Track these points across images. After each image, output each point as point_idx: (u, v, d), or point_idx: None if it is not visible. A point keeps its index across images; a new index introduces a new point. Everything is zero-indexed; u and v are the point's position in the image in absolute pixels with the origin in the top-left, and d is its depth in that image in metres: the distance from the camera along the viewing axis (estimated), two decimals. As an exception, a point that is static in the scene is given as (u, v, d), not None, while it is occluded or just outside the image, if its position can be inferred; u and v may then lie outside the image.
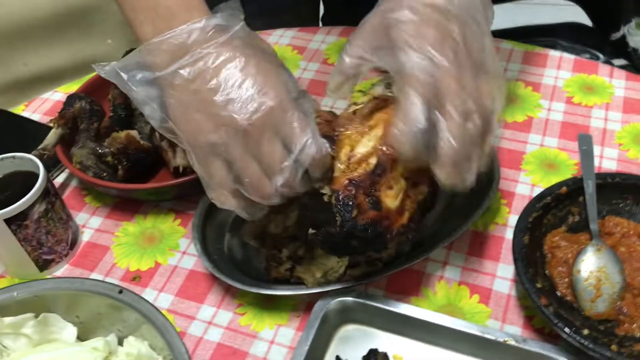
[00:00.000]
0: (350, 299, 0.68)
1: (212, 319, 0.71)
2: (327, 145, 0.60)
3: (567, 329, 0.60)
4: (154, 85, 0.61)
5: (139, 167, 0.83)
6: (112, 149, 0.82)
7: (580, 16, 1.57)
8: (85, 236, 0.81)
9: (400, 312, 0.66)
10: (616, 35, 1.88)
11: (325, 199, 0.60)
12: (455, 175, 0.58)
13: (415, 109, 0.57)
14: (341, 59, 0.63)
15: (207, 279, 0.75)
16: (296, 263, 0.69)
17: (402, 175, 0.61)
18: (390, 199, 0.60)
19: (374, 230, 0.59)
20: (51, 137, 0.83)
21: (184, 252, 0.78)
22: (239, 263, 0.75)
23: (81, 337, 0.65)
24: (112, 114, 0.87)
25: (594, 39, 1.40)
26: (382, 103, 0.63)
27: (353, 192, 0.59)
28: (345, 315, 0.68)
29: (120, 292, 0.62)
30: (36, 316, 0.63)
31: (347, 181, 0.60)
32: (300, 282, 0.70)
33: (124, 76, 0.61)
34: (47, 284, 0.63)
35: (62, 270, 0.77)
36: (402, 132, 0.57)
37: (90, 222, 0.83)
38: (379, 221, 0.59)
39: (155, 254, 0.78)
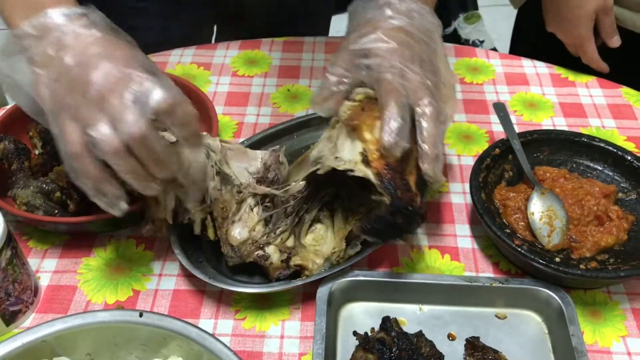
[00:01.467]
0: (347, 279, 0.72)
1: (214, 331, 0.71)
2: (182, 95, 0.62)
3: (542, 260, 0.70)
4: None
5: (89, 199, 0.80)
6: (60, 184, 0.77)
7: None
8: (44, 281, 0.76)
9: (395, 280, 0.72)
10: (449, 30, 2.14)
11: (372, 179, 0.65)
12: (434, 166, 0.67)
13: (395, 122, 0.65)
14: (326, 78, 0.70)
15: (194, 294, 0.74)
16: (289, 254, 0.72)
17: (414, 164, 0.69)
18: (413, 183, 0.67)
19: (413, 207, 0.65)
20: (-19, 183, 0.77)
21: (160, 275, 0.77)
22: (225, 272, 0.75)
23: (94, 376, 0.61)
24: (45, 148, 0.82)
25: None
26: (370, 101, 0.70)
27: (392, 175, 0.65)
28: (345, 296, 0.72)
29: (141, 315, 0.60)
30: (46, 363, 0.59)
31: (385, 166, 0.66)
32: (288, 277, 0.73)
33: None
34: (56, 325, 0.59)
35: (30, 320, 0.72)
36: (389, 143, 0.65)
37: (43, 266, 0.77)
38: (413, 200, 0.66)
39: (130, 282, 0.76)
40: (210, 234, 0.73)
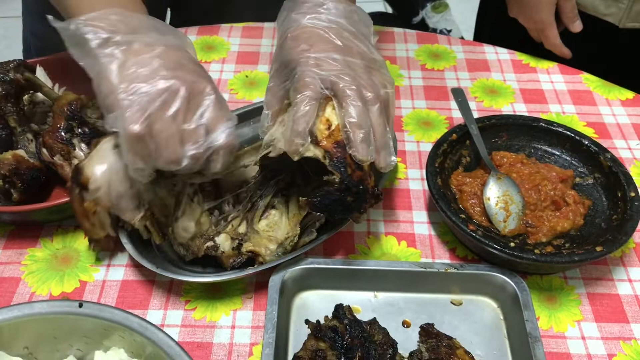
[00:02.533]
0: (300, 267, 0.70)
1: (163, 322, 0.69)
2: (235, 140, 0.67)
3: (496, 246, 0.69)
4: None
5: (34, 187, 0.77)
6: (1, 172, 0.74)
7: (382, 7, 1.74)
8: (-15, 273, 0.73)
9: (350, 267, 0.71)
10: (417, 19, 2.13)
11: (320, 159, 0.64)
12: (363, 148, 0.66)
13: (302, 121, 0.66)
14: (266, 103, 0.72)
15: (143, 285, 0.72)
16: (241, 241, 0.70)
17: None
18: (366, 163, 0.65)
19: (364, 186, 0.64)
20: None
21: (108, 265, 0.74)
22: (171, 260, 0.73)
23: (33, 370, 0.59)
24: (-13, 136, 0.79)
25: (399, 24, 1.56)
26: None
27: (341, 153, 0.64)
28: (299, 284, 0.71)
29: (81, 305, 0.57)
30: (-21, 357, 0.56)
31: (335, 144, 0.64)
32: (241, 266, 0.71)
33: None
34: (-10, 317, 0.57)
35: (-30, 313, 0.69)
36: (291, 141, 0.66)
37: (-14, 258, 0.74)
38: (365, 179, 0.65)
39: (77, 273, 0.73)
40: (156, 238, 0.71)
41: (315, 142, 0.65)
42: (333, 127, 0.66)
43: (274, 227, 0.71)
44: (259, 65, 1.04)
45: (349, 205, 0.65)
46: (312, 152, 0.65)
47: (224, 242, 0.70)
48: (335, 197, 0.64)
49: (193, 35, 1.09)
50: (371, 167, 0.67)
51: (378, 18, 1.55)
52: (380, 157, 0.68)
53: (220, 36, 1.09)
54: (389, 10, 2.09)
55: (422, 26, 2.04)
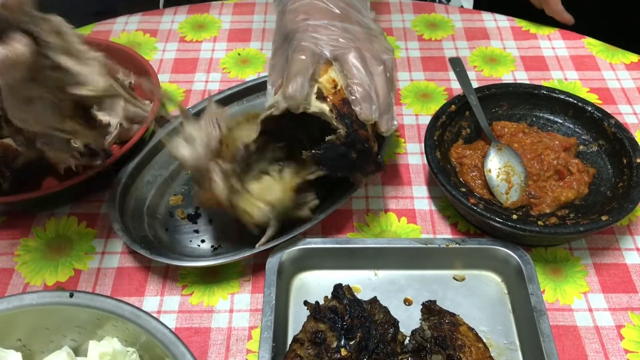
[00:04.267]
0: (298, 247, 0.69)
1: (160, 308, 0.67)
2: None
3: (498, 219, 0.67)
4: None
5: (24, 176, 0.75)
6: (-11, 162, 0.73)
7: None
8: (-22, 265, 0.72)
9: (348, 246, 0.69)
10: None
11: (326, 112, 0.63)
12: (369, 109, 0.66)
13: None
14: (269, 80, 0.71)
15: (138, 271, 0.71)
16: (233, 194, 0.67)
17: None
18: (370, 128, 0.64)
19: (368, 145, 0.63)
20: None
21: (103, 253, 0.73)
22: (168, 246, 0.72)
23: (28, 362, 0.58)
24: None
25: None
26: None
27: (348, 109, 0.63)
28: (297, 265, 0.69)
29: (72, 295, 0.56)
30: (-29, 351, 0.55)
31: (341, 100, 0.64)
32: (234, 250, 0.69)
33: None
34: (-22, 311, 0.55)
35: (-36, 306, 0.68)
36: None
37: (-22, 249, 0.73)
38: (369, 139, 0.64)
39: (71, 262, 0.72)
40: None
41: (322, 97, 0.64)
42: (339, 87, 0.66)
43: (266, 191, 0.68)
44: (251, 42, 1.01)
45: (353, 162, 0.64)
46: (318, 107, 0.64)
47: (218, 181, 0.66)
48: (340, 151, 0.63)
49: (183, 14, 1.07)
50: (374, 134, 0.66)
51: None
52: (383, 120, 0.67)
53: (211, 14, 1.06)
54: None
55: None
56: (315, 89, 0.66)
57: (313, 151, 0.64)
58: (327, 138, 0.64)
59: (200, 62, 0.97)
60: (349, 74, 0.66)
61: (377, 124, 0.67)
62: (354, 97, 0.66)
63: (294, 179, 0.69)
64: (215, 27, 1.04)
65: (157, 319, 0.54)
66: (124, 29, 1.04)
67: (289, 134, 0.70)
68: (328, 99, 0.64)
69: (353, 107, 0.65)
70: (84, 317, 0.57)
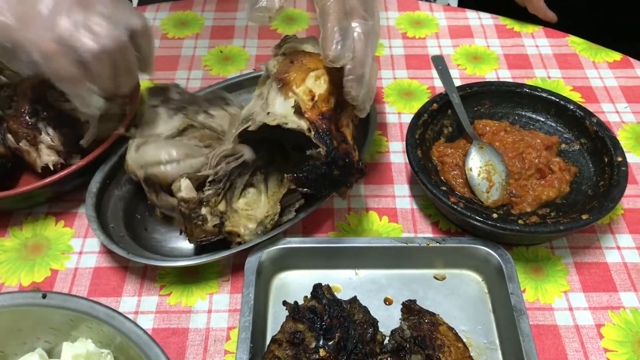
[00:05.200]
0: (278, 247, 0.68)
1: (137, 309, 0.67)
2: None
3: (479, 217, 0.67)
4: None
5: (0, 175, 0.74)
6: (-35, 160, 0.71)
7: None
8: (-47, 265, 0.70)
9: (329, 245, 0.69)
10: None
11: (305, 131, 0.62)
12: (358, 87, 0.64)
13: (337, 34, 0.63)
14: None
15: (116, 272, 0.70)
16: (222, 219, 0.67)
17: (350, 117, 0.66)
18: (349, 136, 0.64)
19: (350, 159, 0.62)
20: None
21: (80, 252, 0.72)
22: (147, 246, 0.71)
23: (0, 365, 0.57)
24: (-52, 124, 0.76)
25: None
26: (298, 54, 0.69)
27: (327, 125, 0.62)
28: (277, 264, 0.69)
29: (44, 296, 0.55)
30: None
31: (319, 115, 0.63)
32: (216, 247, 0.69)
33: None
34: (-52, 313, 0.54)
35: (-63, 307, 0.66)
36: (334, 54, 0.62)
37: (-47, 249, 0.72)
38: (350, 152, 0.63)
39: (48, 262, 0.71)
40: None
41: (299, 113, 0.63)
42: (316, 98, 0.64)
43: (253, 205, 0.68)
44: (234, 39, 1.00)
45: (335, 179, 0.63)
46: (297, 123, 0.63)
47: (207, 215, 0.67)
48: (322, 172, 0.62)
49: (165, 11, 1.06)
50: (354, 140, 0.65)
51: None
52: (366, 106, 0.66)
53: (194, 11, 1.06)
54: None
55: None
56: (292, 102, 0.64)
57: (295, 174, 0.63)
58: (307, 152, 0.63)
59: (182, 60, 0.96)
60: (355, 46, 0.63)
61: (357, 108, 0.66)
62: (351, 76, 0.63)
63: (279, 189, 0.69)
64: (198, 24, 1.03)
65: (131, 320, 0.53)
66: (105, 25, 1.02)
67: (267, 140, 0.70)
68: (306, 114, 0.63)
69: (344, 82, 0.63)
70: (58, 318, 0.56)
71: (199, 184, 0.67)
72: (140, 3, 1.15)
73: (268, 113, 0.66)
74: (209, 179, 0.66)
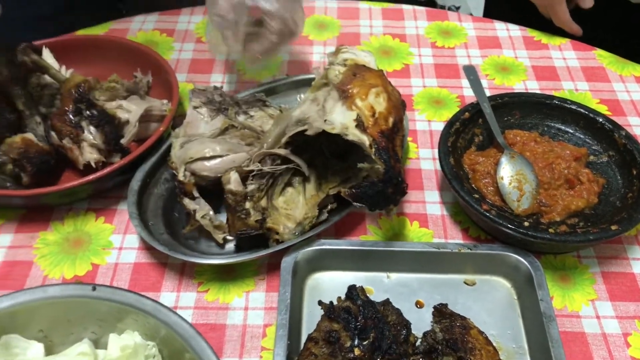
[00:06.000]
0: (313, 248, 0.70)
1: (176, 304, 0.69)
2: None
3: (510, 225, 0.68)
4: None
5: (44, 171, 0.77)
6: (11, 156, 0.74)
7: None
8: (-2, 257, 0.73)
9: (362, 248, 0.71)
10: (426, -4, 2.10)
11: (366, 147, 0.65)
12: None
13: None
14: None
15: (155, 268, 0.72)
16: (264, 215, 0.69)
17: (400, 138, 0.70)
18: (400, 155, 0.67)
19: (402, 179, 0.65)
20: None
21: (120, 248, 0.74)
22: (185, 243, 0.73)
23: (49, 354, 0.59)
24: (-4, 120, 0.78)
25: (407, 1, 1.54)
26: (359, 67, 0.72)
27: (386, 143, 0.65)
28: (311, 265, 0.71)
29: (94, 289, 0.57)
30: (-4, 340, 0.56)
31: (380, 133, 0.65)
32: (252, 247, 0.71)
33: None
34: (4, 302, 0.57)
35: (-17, 297, 0.69)
36: None
37: (-2, 241, 0.74)
38: (401, 172, 0.66)
39: (89, 256, 0.73)
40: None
41: (362, 127, 0.65)
42: (377, 115, 0.67)
43: (291, 205, 0.70)
44: (266, 44, 1.02)
45: (389, 196, 0.65)
46: (358, 137, 0.65)
47: (250, 210, 0.69)
48: (379, 189, 0.65)
49: (199, 15, 1.08)
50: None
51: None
52: None
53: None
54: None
55: (430, 3, 2.01)
56: (354, 115, 0.67)
57: (353, 190, 0.65)
58: (359, 165, 0.66)
59: (217, 63, 0.99)
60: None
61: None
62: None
63: (318, 193, 0.71)
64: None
65: (177, 314, 0.56)
66: (140, 28, 1.05)
67: (309, 144, 0.72)
68: (368, 130, 0.66)
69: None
70: (105, 310, 0.58)
71: (242, 179, 0.69)
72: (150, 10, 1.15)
73: (325, 121, 0.67)
74: (253, 173, 0.68)
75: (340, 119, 0.66)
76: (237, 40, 0.77)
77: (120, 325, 0.59)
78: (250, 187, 0.69)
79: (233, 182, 0.68)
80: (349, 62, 0.72)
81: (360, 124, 0.66)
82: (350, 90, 0.68)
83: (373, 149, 0.65)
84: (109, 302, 0.57)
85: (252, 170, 0.70)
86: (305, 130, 0.67)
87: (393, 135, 0.68)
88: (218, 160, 0.73)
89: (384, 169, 0.64)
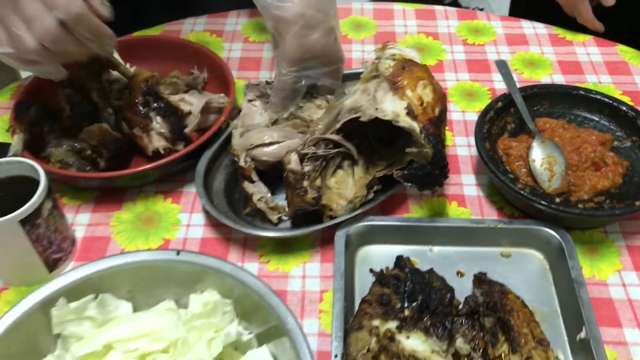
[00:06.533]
0: (363, 224, 0.78)
1: (240, 273, 0.77)
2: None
3: (543, 202, 0.75)
4: None
5: (118, 156, 0.85)
6: (90, 143, 0.82)
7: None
8: (79, 233, 0.81)
9: (408, 224, 0.78)
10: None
11: (416, 132, 0.73)
12: None
13: None
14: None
15: (220, 242, 0.80)
16: (319, 193, 0.77)
17: (444, 127, 0.78)
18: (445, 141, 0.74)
19: (446, 162, 0.73)
20: (17, 143, 0.82)
21: (188, 225, 0.82)
22: (245, 221, 0.81)
23: (134, 312, 0.67)
24: (73, 111, 0.87)
25: (433, 3, 1.60)
26: (407, 61, 0.79)
27: (433, 130, 0.73)
28: (361, 239, 0.78)
29: (178, 253, 0.65)
30: (95, 297, 0.64)
31: (428, 120, 0.73)
32: (305, 223, 0.78)
33: None
34: (101, 264, 0.65)
35: (69, 267, 0.77)
36: None
37: (77, 220, 0.83)
38: (446, 157, 0.74)
39: (161, 233, 0.81)
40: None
41: (412, 114, 0.73)
42: (425, 104, 0.74)
43: (342, 185, 0.78)
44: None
45: (436, 178, 0.73)
46: (409, 123, 0.73)
47: (307, 188, 0.76)
48: (427, 170, 0.73)
49: (245, 17, 1.16)
50: None
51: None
52: None
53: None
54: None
55: (455, 5, 2.08)
56: (405, 104, 0.74)
57: (405, 172, 0.74)
58: (407, 150, 0.74)
59: (264, 61, 1.07)
60: None
61: None
62: None
63: (365, 176, 0.79)
64: (276, 29, 1.13)
65: (252, 274, 0.63)
66: (192, 29, 1.14)
67: (359, 133, 0.79)
68: (419, 118, 0.73)
69: None
70: (186, 273, 0.66)
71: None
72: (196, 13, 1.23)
73: (377, 109, 0.75)
74: (308, 156, 0.76)
75: (391, 107, 0.74)
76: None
77: (199, 286, 0.66)
78: (307, 168, 0.77)
79: (293, 162, 0.75)
80: (397, 57, 0.79)
81: (410, 112, 0.73)
82: (400, 82, 0.76)
83: (422, 135, 0.72)
84: (192, 265, 0.65)
85: (307, 153, 0.78)
86: (358, 117, 0.75)
87: (439, 124, 0.75)
88: (276, 146, 0.81)
89: (432, 152, 0.71)
